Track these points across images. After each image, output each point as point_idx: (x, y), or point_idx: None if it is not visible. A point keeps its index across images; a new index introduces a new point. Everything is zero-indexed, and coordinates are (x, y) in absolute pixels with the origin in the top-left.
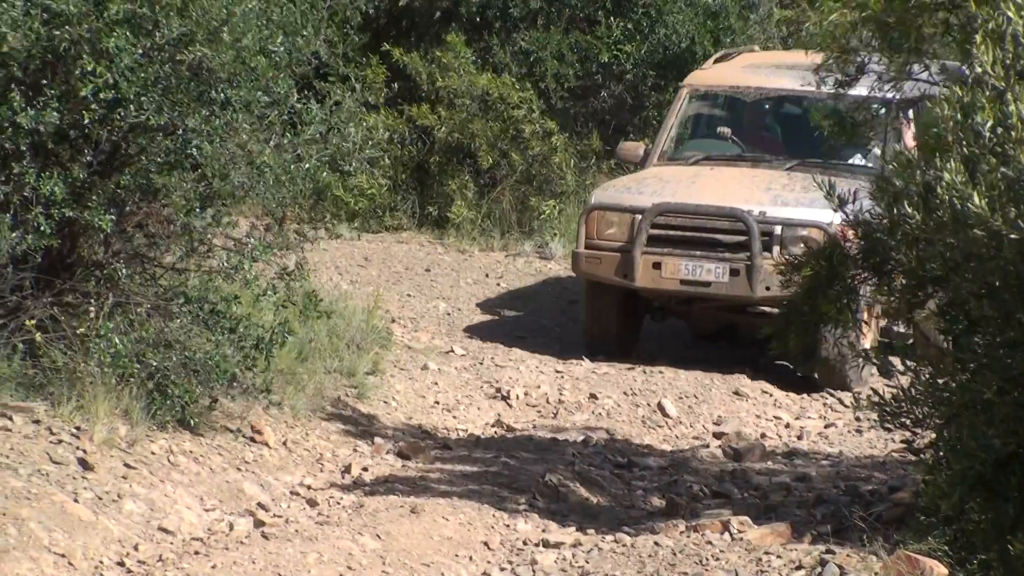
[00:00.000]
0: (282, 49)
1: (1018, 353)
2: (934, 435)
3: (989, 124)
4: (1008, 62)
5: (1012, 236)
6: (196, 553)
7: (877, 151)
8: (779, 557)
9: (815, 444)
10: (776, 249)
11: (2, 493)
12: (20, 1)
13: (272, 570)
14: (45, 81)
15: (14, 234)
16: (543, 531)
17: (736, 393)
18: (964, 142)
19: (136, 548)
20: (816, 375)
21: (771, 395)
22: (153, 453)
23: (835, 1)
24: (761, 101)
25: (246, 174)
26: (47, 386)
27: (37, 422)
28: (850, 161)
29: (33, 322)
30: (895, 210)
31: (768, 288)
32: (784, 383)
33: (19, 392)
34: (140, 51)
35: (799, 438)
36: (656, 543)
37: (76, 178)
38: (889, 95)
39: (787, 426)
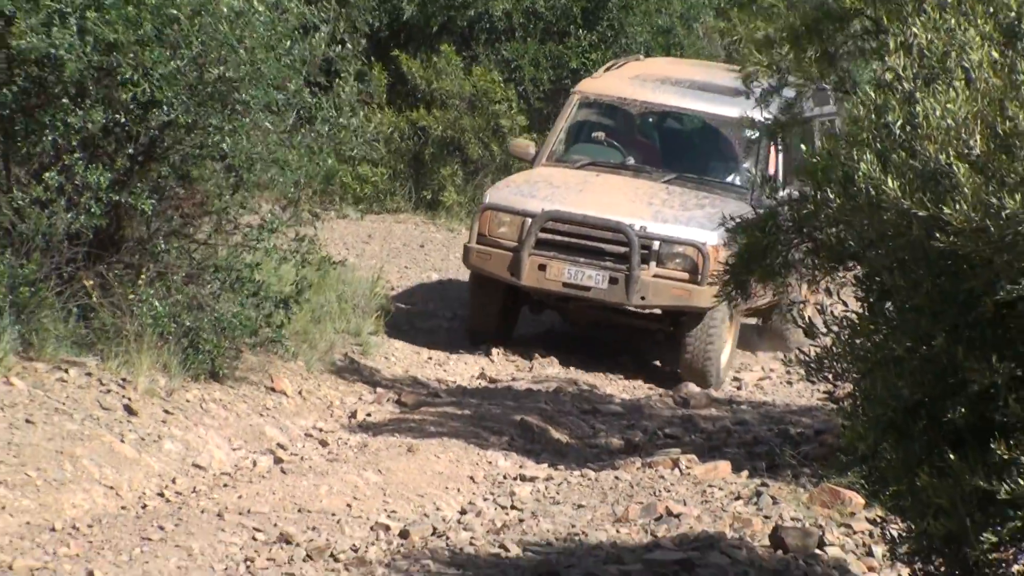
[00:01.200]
0: (294, 54)
1: (924, 317)
2: (852, 387)
3: (899, 123)
4: (915, 70)
5: (920, 214)
6: (224, 485)
7: (750, 169)
8: (721, 489)
9: (752, 394)
10: (653, 262)
11: (59, 435)
12: (75, 27)
13: (289, 499)
14: (90, 87)
15: (68, 215)
16: (520, 467)
17: None
18: (878, 138)
19: (174, 481)
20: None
21: None
22: (188, 401)
23: (758, 18)
24: (645, 113)
25: (267, 166)
26: (97, 344)
27: (89, 374)
28: (725, 179)
29: (91, 282)
30: (818, 195)
31: (643, 297)
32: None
33: (73, 349)
34: (171, 64)
35: (738, 388)
36: (616, 477)
37: (119, 168)
38: (760, 117)
39: (731, 378)
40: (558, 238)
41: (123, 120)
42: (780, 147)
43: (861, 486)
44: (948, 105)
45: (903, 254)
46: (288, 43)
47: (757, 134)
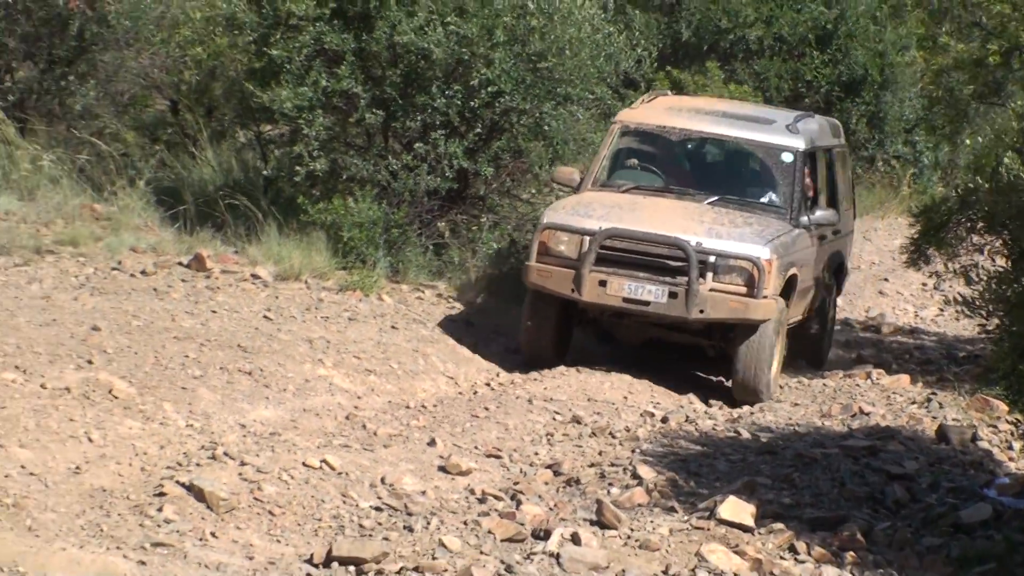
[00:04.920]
0: (603, 64)
1: None
2: (998, 321)
3: None
4: None
5: None
6: (535, 380)
7: (785, 191)
8: (901, 395)
9: (929, 326)
10: (709, 276)
11: (415, 338)
12: (441, 27)
13: (581, 391)
14: (456, 74)
15: (428, 177)
16: None
17: (880, 292)
18: (1018, 140)
19: (497, 375)
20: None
21: (902, 293)
22: (513, 315)
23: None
24: (684, 140)
25: (578, 145)
26: (446, 272)
27: (439, 295)
28: (762, 200)
29: (443, 226)
30: (975, 183)
31: (702, 311)
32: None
33: (428, 276)
34: (512, 60)
35: (918, 319)
36: (824, 384)
37: (469, 142)
38: (795, 145)
39: (914, 315)
40: (617, 254)
41: (475, 105)
42: (811, 170)
43: (1005, 396)
44: None
45: None
46: (601, 59)
47: (792, 158)
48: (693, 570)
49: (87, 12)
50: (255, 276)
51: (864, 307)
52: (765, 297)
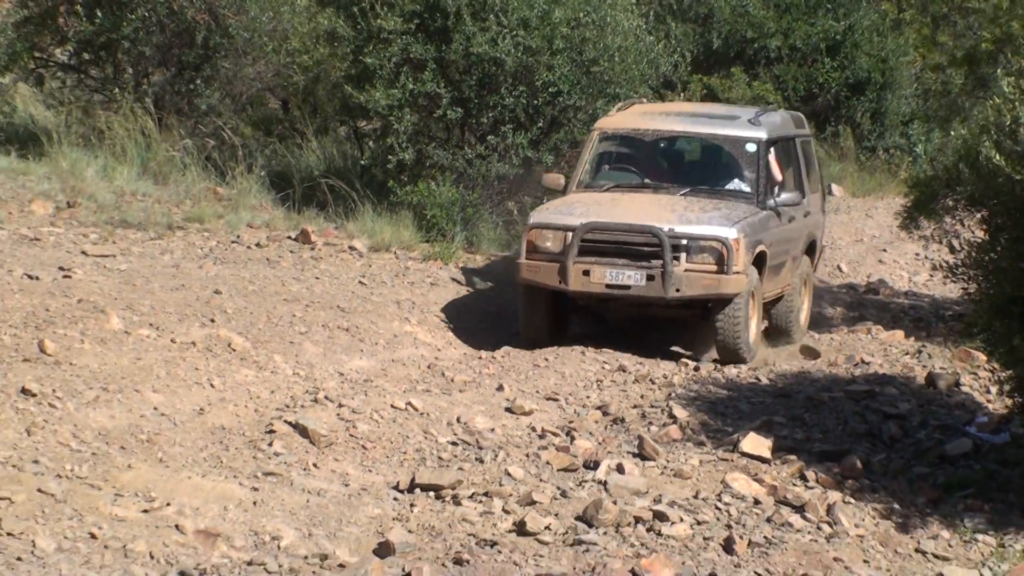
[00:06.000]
0: (646, 68)
1: (1021, 243)
2: (977, 285)
3: (1009, 121)
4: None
5: (1018, 178)
6: (585, 335)
7: (751, 177)
8: (896, 347)
9: (921, 289)
10: (683, 257)
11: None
12: (509, 37)
13: (625, 346)
14: (520, 80)
15: (498, 164)
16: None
17: (880, 261)
18: (996, 130)
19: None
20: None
21: (898, 262)
22: None
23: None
24: (657, 140)
25: None
26: (513, 244)
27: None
28: (730, 187)
29: (512, 205)
30: (959, 166)
31: (678, 290)
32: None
33: (499, 247)
34: (569, 65)
35: (912, 283)
36: (832, 338)
37: (533, 134)
38: (757, 135)
39: (908, 280)
40: (598, 245)
41: (538, 103)
42: (775, 158)
43: (983, 348)
44: None
45: (1009, 204)
46: (644, 63)
47: (755, 148)
48: (719, 495)
49: (211, 26)
50: (352, 248)
51: (866, 274)
52: (736, 273)
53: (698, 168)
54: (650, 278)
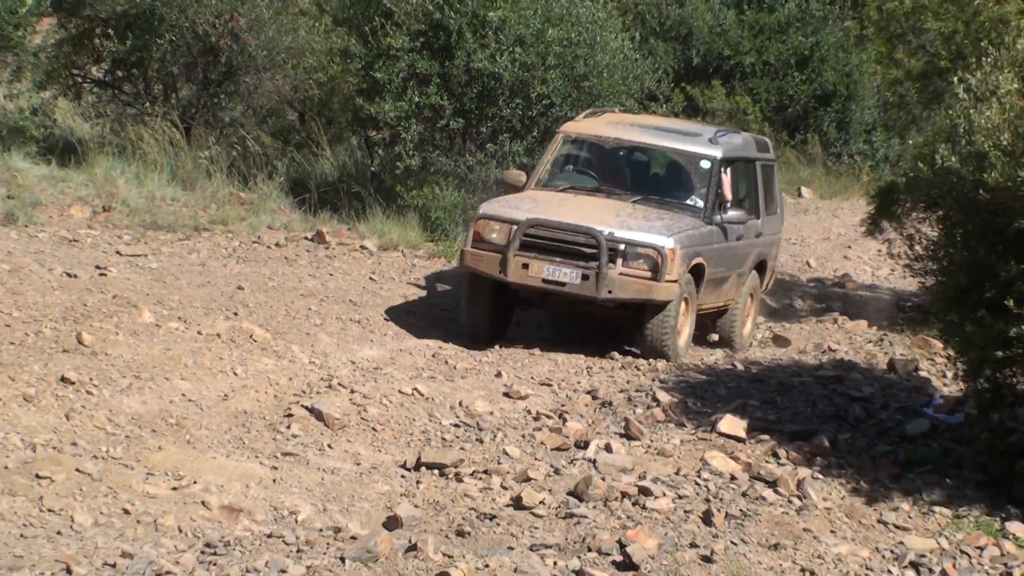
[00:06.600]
0: (632, 83)
1: (973, 238)
2: (934, 278)
3: (963, 126)
4: (972, 97)
5: (971, 179)
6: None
7: (701, 192)
8: (860, 336)
9: (883, 283)
10: (619, 261)
11: None
12: (507, 54)
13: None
14: (516, 93)
15: (497, 170)
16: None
17: (845, 257)
18: (951, 135)
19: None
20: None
21: (862, 257)
22: None
23: (891, 67)
24: (616, 148)
25: None
26: None
27: None
28: (681, 200)
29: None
30: (918, 167)
31: (610, 291)
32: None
33: None
34: (562, 80)
35: (875, 277)
36: (801, 327)
37: (528, 142)
38: (713, 153)
39: (872, 274)
40: (539, 241)
41: (533, 114)
42: (729, 176)
43: (940, 336)
44: (989, 115)
45: (963, 202)
46: (630, 79)
47: (710, 165)
48: (699, 472)
49: (233, 46)
50: (363, 247)
51: (833, 268)
52: (669, 281)
53: (653, 179)
54: (585, 277)
